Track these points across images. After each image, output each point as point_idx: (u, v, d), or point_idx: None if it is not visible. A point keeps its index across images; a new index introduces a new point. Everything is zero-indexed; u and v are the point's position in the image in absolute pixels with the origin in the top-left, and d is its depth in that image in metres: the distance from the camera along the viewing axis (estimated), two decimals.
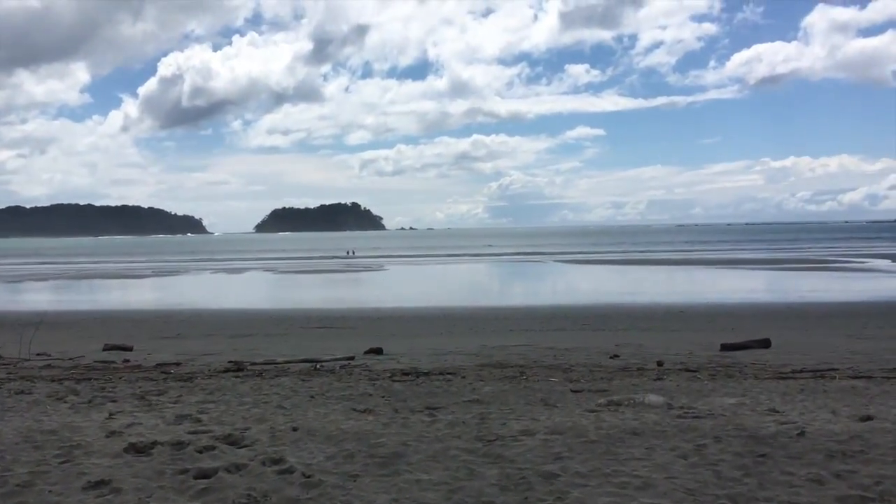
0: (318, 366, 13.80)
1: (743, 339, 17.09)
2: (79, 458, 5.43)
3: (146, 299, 39.70)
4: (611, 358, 14.92)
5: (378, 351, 16.23)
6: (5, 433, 6.26)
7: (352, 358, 15.00)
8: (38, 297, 42.83)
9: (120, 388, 10.42)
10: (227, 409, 8.13)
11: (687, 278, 50.87)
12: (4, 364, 14.55)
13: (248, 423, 6.92)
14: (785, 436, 6.10)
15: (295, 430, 6.53)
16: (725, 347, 16.34)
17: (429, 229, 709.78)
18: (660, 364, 13.77)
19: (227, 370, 13.27)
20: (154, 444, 5.73)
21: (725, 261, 67.41)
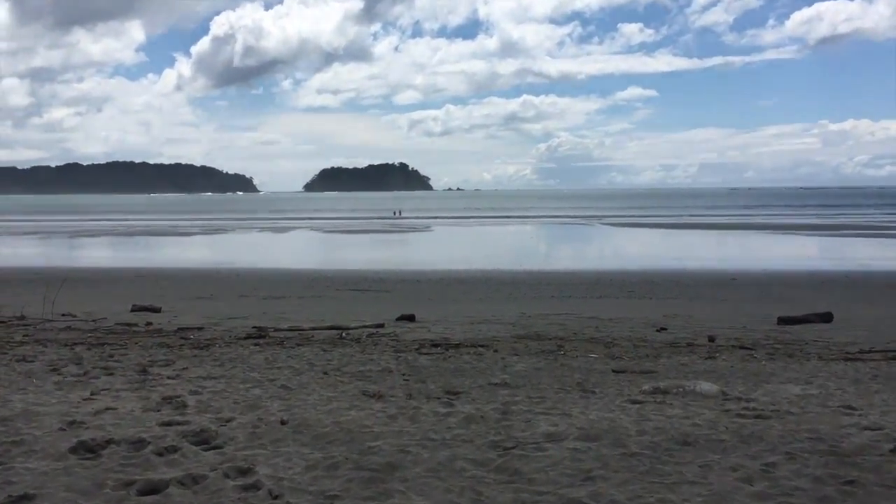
0: (344, 334, 13.00)
1: (802, 312, 15.79)
2: (15, 458, 4.62)
3: (187, 258, 39.49)
4: (657, 331, 13.84)
5: (411, 318, 15.39)
6: None
7: (381, 325, 14.18)
8: (81, 254, 43.02)
9: (127, 357, 9.74)
10: (225, 387, 7.33)
11: (739, 244, 49.04)
12: (26, 325, 14.06)
13: (236, 411, 6.07)
14: (874, 451, 4.94)
15: (283, 423, 5.65)
16: (783, 321, 15.10)
17: (476, 190, 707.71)
18: (711, 340, 12.65)
19: (248, 336, 12.57)
20: (109, 442, 4.89)
21: (780, 226, 65.03)
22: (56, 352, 10.25)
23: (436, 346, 11.43)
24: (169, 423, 5.53)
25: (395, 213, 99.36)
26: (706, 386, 7.35)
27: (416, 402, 6.62)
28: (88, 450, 4.79)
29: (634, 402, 6.77)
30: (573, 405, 6.61)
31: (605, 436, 5.26)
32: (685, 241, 51.88)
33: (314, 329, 13.65)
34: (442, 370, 8.95)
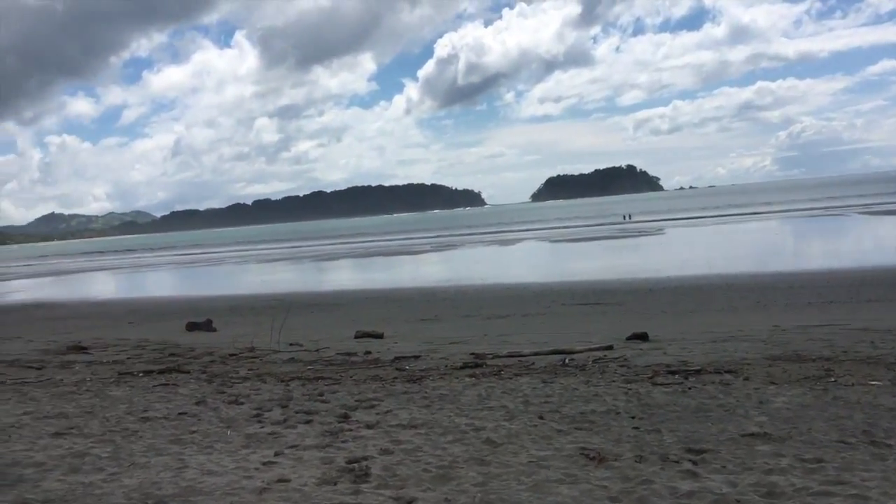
0: (567, 360, 11.73)
1: None
2: None
3: (416, 277, 40.08)
4: None
5: (643, 337, 13.79)
6: (114, 498, 4.98)
7: (610, 347, 12.75)
8: (318, 278, 45.11)
9: (336, 396, 9.18)
10: (423, 442, 6.37)
11: None
12: (253, 357, 14.21)
13: (423, 485, 5.03)
14: None
15: None
16: None
17: (710, 187, 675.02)
18: None
19: (464, 366, 11.67)
20: None
21: None
22: (270, 390, 9.95)
23: (673, 373, 9.84)
24: None
25: (623, 218, 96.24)
26: None
27: (647, 469, 5.22)
28: None
29: None
30: (866, 473, 4.87)
31: None
32: None
33: (535, 354, 12.52)
34: (681, 410, 7.43)
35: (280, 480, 5.25)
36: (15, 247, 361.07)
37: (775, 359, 10.59)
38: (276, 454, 6.06)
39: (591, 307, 21.04)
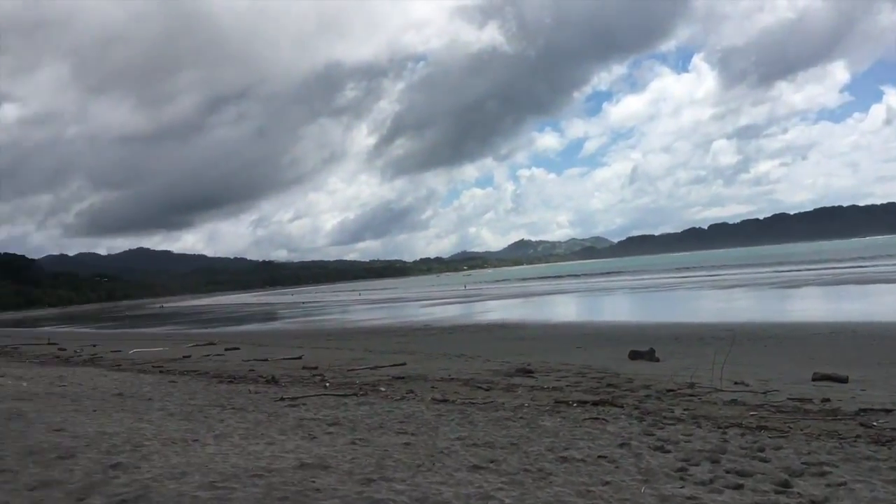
0: None
1: None
2: None
3: (893, 308, 34.67)
4: None
5: None
6: None
7: None
8: (775, 307, 41.64)
9: (778, 455, 7.92)
10: None
11: None
12: (692, 395, 13.26)
13: None
14: None
15: None
16: None
17: None
18: None
19: None
20: None
21: None
22: (703, 437, 9.00)
23: None
24: None
25: None
26: None
27: None
28: None
29: None
30: None
31: None
32: None
33: None
34: None
35: None
36: (490, 270, 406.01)
37: None
38: None
39: None
